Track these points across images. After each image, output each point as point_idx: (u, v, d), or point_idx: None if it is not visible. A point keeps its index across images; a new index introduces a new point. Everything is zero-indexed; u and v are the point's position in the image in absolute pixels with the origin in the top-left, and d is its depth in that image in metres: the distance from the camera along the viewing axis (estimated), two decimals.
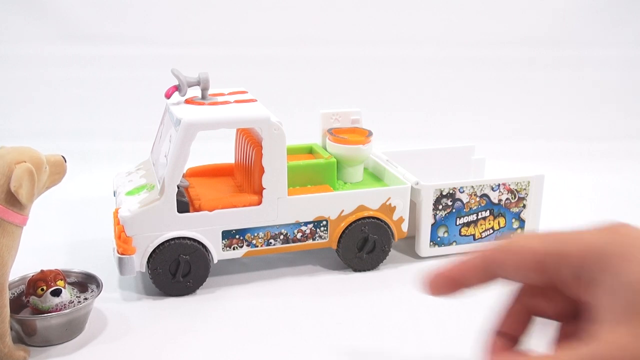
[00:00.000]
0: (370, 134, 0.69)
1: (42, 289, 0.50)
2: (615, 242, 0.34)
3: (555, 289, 0.36)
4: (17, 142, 0.48)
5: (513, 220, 0.68)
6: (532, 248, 0.36)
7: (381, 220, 0.64)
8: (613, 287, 0.33)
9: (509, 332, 0.35)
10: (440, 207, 0.65)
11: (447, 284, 0.39)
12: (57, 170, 0.48)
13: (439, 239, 0.67)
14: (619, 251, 0.34)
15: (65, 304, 0.50)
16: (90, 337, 0.52)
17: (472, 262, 0.38)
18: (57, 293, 0.50)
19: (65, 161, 0.49)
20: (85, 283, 0.54)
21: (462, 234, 0.67)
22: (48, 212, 0.62)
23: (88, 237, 0.70)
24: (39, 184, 0.46)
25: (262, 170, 0.59)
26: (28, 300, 0.50)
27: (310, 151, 0.71)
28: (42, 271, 0.51)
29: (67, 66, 1.11)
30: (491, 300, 0.34)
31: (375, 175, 0.71)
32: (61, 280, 0.51)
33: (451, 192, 0.65)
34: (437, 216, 0.66)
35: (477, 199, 0.66)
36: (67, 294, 0.51)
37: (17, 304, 0.51)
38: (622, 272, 0.33)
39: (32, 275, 0.51)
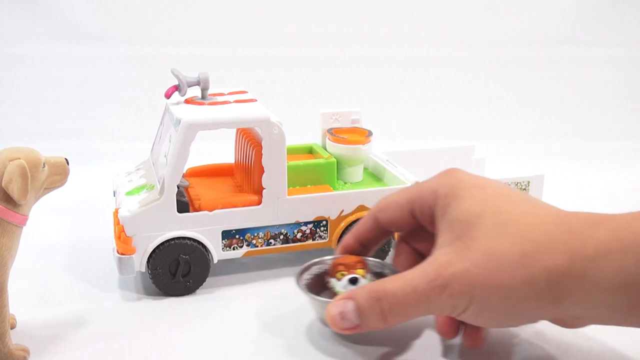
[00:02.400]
0: (370, 134, 0.69)
1: (342, 274, 0.50)
2: (444, 183, 0.45)
3: (425, 230, 0.48)
4: (17, 142, 0.48)
5: None
6: (397, 200, 0.49)
7: None
8: (444, 219, 0.44)
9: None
10: None
11: (355, 248, 0.52)
12: (58, 171, 0.48)
13: None
14: (447, 192, 0.44)
15: None
16: (89, 336, 0.52)
17: (365, 223, 0.51)
18: (354, 281, 0.49)
19: (68, 163, 0.49)
20: (382, 272, 0.53)
21: None
22: (48, 211, 0.63)
23: (88, 237, 0.70)
24: (35, 182, 0.46)
25: (262, 170, 0.59)
26: (327, 281, 0.50)
27: (310, 151, 0.71)
28: (346, 256, 0.52)
29: (67, 66, 1.12)
30: None
31: (375, 175, 0.71)
32: (362, 269, 0.50)
33: None
34: None
35: None
36: (364, 284, 0.48)
37: (319, 284, 0.51)
38: (449, 208, 0.43)
39: (337, 259, 0.51)
